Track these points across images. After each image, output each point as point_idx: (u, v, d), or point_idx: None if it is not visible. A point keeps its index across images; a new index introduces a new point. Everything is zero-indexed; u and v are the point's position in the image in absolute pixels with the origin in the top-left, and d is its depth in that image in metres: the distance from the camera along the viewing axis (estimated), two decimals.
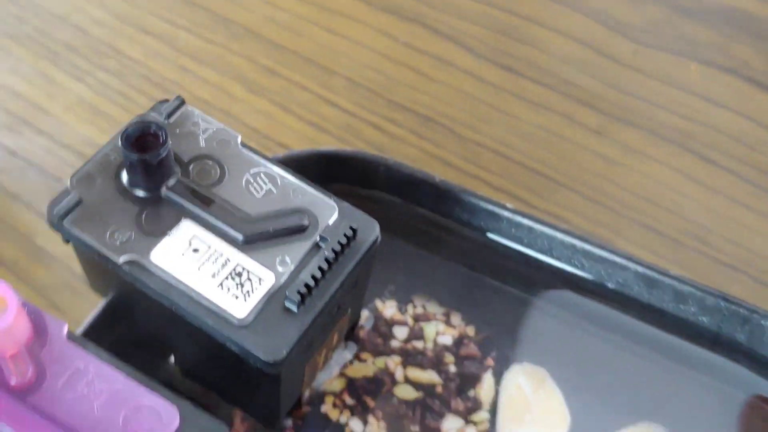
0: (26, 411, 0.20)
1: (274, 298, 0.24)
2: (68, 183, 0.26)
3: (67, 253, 0.28)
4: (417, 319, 0.32)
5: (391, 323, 0.32)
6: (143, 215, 0.25)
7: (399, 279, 0.33)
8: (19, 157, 0.37)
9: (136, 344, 0.28)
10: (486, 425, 0.30)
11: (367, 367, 0.31)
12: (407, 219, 0.34)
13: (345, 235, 0.25)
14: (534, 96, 0.40)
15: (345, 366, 0.31)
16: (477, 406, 0.30)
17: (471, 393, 0.31)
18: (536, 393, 0.31)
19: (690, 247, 0.35)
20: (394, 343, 0.32)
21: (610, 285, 0.33)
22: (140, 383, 0.21)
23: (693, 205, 0.36)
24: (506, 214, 0.33)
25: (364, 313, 0.32)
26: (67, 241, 0.25)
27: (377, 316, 0.32)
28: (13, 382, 0.20)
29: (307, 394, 0.30)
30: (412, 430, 0.30)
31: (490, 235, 0.34)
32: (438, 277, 0.33)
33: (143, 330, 0.28)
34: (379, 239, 0.26)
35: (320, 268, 0.25)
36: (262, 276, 0.25)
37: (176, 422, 0.21)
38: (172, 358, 0.29)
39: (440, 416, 0.30)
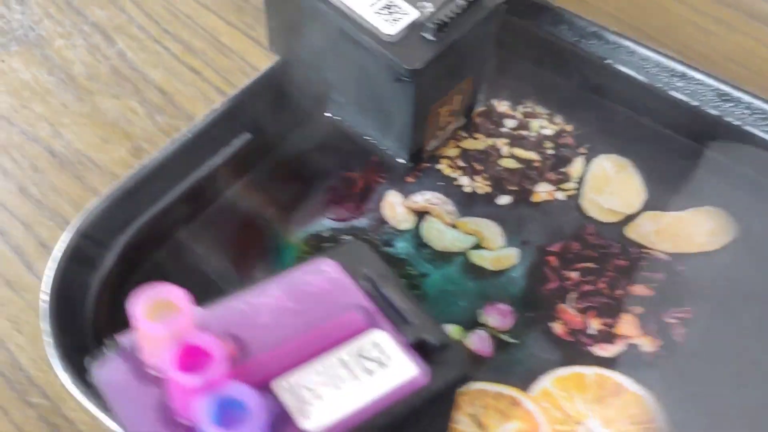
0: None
1: (415, 27, 0.31)
2: None
3: None
4: (525, 115, 0.38)
5: (502, 116, 0.38)
6: None
7: (512, 85, 0.39)
8: None
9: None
10: (573, 192, 0.36)
11: (479, 143, 0.38)
12: (525, 39, 0.39)
13: None
14: None
15: (460, 140, 0.37)
16: (566, 179, 0.36)
17: (563, 169, 0.37)
18: (618, 174, 0.37)
19: None
20: (504, 130, 0.38)
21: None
22: None
23: None
24: (626, 43, 0.38)
25: (479, 105, 0.38)
26: None
27: (491, 110, 0.38)
28: None
29: (432, 144, 0.36)
30: (510, 189, 0.36)
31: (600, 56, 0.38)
32: (546, 86, 0.39)
33: (308, 62, 0.35)
34: (503, 7, 0.32)
35: (453, 11, 0.31)
36: (408, 11, 0.31)
37: None
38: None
39: (535, 182, 0.36)
